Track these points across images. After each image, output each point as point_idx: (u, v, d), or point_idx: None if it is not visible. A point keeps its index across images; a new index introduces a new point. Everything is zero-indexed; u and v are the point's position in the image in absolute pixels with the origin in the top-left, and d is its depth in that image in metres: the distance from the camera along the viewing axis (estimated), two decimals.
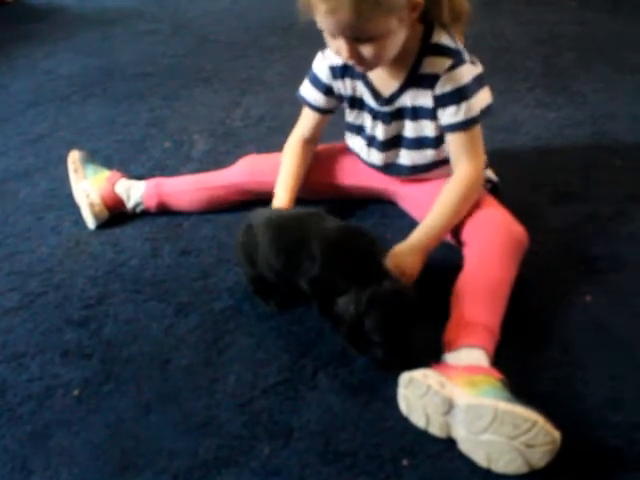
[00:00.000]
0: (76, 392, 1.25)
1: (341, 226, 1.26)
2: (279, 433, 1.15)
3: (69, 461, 1.13)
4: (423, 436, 1.12)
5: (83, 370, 1.30)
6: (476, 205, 1.42)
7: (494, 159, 1.57)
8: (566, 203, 1.66)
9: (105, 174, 1.74)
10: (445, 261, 1.43)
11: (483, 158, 1.45)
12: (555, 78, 2.33)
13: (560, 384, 1.20)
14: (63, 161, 1.88)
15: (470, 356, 1.16)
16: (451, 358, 1.17)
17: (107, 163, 1.96)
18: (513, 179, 1.69)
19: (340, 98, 1.52)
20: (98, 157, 2.00)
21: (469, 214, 1.41)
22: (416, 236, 1.36)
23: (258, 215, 1.36)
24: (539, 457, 1.02)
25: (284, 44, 2.83)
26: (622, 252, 1.49)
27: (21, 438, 1.18)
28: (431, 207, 1.41)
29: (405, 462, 1.09)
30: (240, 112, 2.22)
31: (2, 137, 2.21)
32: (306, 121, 1.60)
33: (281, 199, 1.51)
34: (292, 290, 1.30)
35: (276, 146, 1.66)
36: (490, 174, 1.55)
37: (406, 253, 1.33)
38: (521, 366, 1.23)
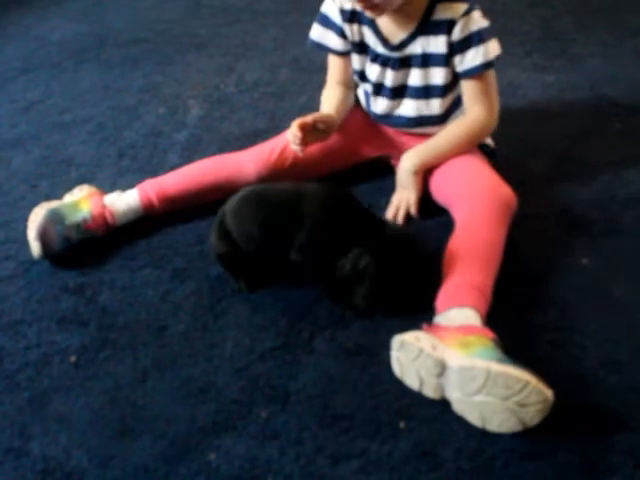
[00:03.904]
0: (73, 359, 1.25)
1: (321, 186, 1.28)
2: (276, 397, 1.15)
3: (68, 427, 1.14)
4: (419, 398, 1.12)
5: (80, 337, 1.30)
6: (465, 167, 1.43)
7: None
8: (564, 167, 1.65)
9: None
10: (436, 225, 1.44)
11: (498, 105, 1.47)
12: (553, 42, 2.30)
13: (556, 347, 1.20)
14: (56, 128, 1.87)
15: (461, 316, 1.17)
16: (443, 319, 1.18)
17: (100, 130, 1.95)
18: (510, 143, 1.68)
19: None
20: (91, 124, 1.98)
21: (458, 176, 1.42)
22: (421, 151, 1.45)
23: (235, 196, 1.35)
24: (532, 416, 1.03)
25: (278, 9, 2.79)
26: (620, 216, 1.49)
27: (20, 404, 1.18)
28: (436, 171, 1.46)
29: (402, 424, 1.09)
30: (234, 77, 2.20)
31: None
32: (333, 67, 1.58)
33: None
34: (273, 263, 1.30)
35: (271, 111, 1.64)
36: (487, 139, 1.54)
37: (407, 185, 1.46)
38: (517, 329, 1.23)
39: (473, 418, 1.07)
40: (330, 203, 1.24)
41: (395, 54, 1.44)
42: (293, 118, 1.42)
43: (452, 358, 1.08)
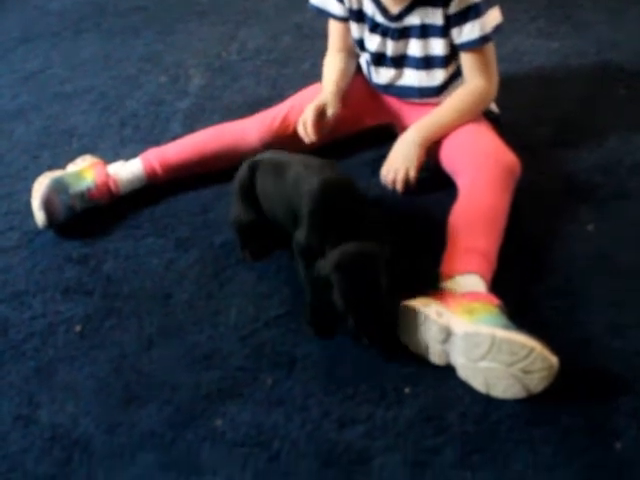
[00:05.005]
0: (78, 328, 1.26)
1: (325, 181, 1.18)
2: (282, 364, 1.16)
3: (74, 395, 1.15)
4: (424, 365, 1.13)
5: (84, 306, 1.30)
6: (469, 134, 1.42)
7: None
8: (569, 133, 1.63)
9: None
10: (440, 192, 1.43)
11: (497, 76, 1.45)
12: (558, 8, 2.25)
13: (561, 312, 1.20)
14: (57, 98, 1.86)
15: (466, 282, 1.16)
16: (448, 286, 1.17)
17: (102, 100, 1.93)
18: (515, 109, 1.66)
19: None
20: (92, 94, 1.97)
21: (462, 144, 1.41)
22: (425, 125, 1.43)
23: (268, 158, 1.32)
24: (537, 383, 1.03)
25: None
26: (625, 182, 1.48)
27: (26, 374, 1.19)
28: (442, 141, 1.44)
29: (407, 390, 1.10)
30: (236, 45, 2.17)
31: None
32: (334, 33, 1.56)
33: (328, 89, 1.49)
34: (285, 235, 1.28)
35: (273, 79, 1.62)
36: (492, 105, 1.53)
37: (409, 151, 1.42)
38: (522, 295, 1.23)
39: (477, 384, 1.08)
40: (325, 198, 1.16)
41: (394, 24, 1.43)
42: (296, 85, 1.41)
43: (457, 324, 1.09)
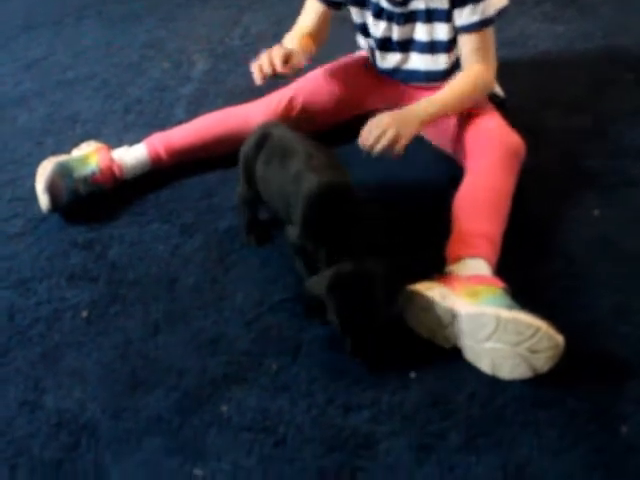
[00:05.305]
0: (84, 314, 1.26)
1: (323, 185, 1.13)
2: (287, 349, 1.16)
3: (80, 380, 1.15)
4: (430, 348, 1.13)
5: (90, 292, 1.30)
6: (474, 116, 1.41)
7: (501, 74, 1.52)
8: (575, 117, 1.62)
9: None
10: (445, 176, 1.43)
11: (495, 63, 1.43)
12: None
13: (566, 296, 1.20)
14: (60, 85, 1.85)
15: (471, 266, 1.16)
16: (453, 270, 1.17)
17: (105, 86, 1.93)
18: (521, 94, 1.66)
19: None
20: (95, 81, 1.96)
21: (467, 125, 1.40)
22: (423, 106, 1.36)
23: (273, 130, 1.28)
24: (543, 362, 1.03)
25: None
26: (632, 167, 1.47)
27: (32, 359, 1.19)
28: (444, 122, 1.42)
29: (412, 374, 1.10)
30: (240, 30, 2.16)
31: None
32: (309, 12, 1.52)
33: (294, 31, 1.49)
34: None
35: None
36: (497, 89, 1.52)
37: (407, 119, 1.32)
38: (527, 278, 1.23)
39: (484, 365, 1.08)
40: (321, 204, 1.13)
41: (399, 9, 1.41)
42: (300, 71, 1.40)
43: (461, 306, 1.09)
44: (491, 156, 1.33)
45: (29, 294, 1.31)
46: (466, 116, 1.42)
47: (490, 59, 1.41)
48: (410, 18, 1.42)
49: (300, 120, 1.48)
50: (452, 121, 1.44)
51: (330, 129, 1.53)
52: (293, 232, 1.16)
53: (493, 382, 1.07)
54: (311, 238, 1.13)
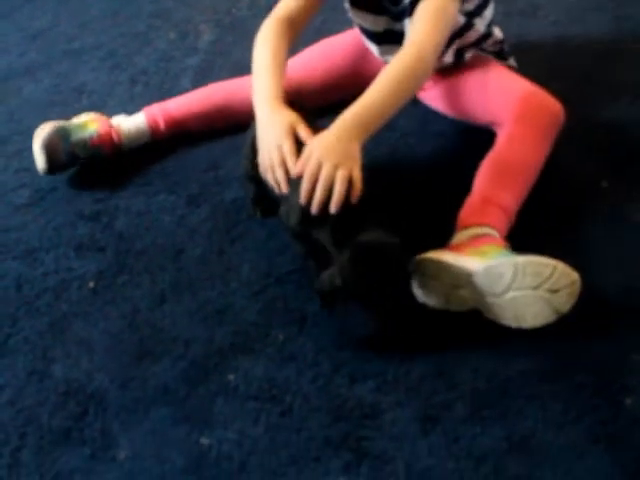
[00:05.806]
0: (91, 284, 1.27)
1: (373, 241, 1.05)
2: (294, 320, 1.16)
3: (88, 350, 1.16)
4: (436, 320, 1.12)
5: (97, 263, 1.31)
6: (502, 79, 1.38)
7: (510, 45, 1.51)
8: (585, 89, 1.60)
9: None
10: (471, 145, 1.39)
11: (440, 39, 1.22)
12: None
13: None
14: (66, 56, 1.84)
15: (480, 234, 1.15)
16: (462, 236, 1.16)
17: (111, 57, 1.92)
18: (531, 65, 1.62)
19: None
20: (101, 51, 1.95)
21: (496, 90, 1.37)
22: (358, 112, 1.11)
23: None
24: (564, 301, 1.04)
25: None
26: None
27: (40, 329, 1.20)
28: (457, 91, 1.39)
29: (418, 346, 1.10)
30: (247, 1, 2.14)
31: (1, 34, 2.15)
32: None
33: (269, 90, 1.23)
34: None
35: None
36: (510, 61, 1.49)
37: (350, 136, 1.08)
38: (534, 251, 1.22)
39: (507, 319, 1.07)
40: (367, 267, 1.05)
41: (394, 8, 1.36)
42: (306, 41, 1.39)
43: (475, 264, 1.08)
44: (526, 123, 1.28)
45: (36, 264, 1.32)
46: (494, 81, 1.39)
47: (436, 30, 1.20)
48: (403, 14, 1.35)
49: (302, 94, 1.46)
50: (477, 88, 1.40)
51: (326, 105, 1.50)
52: (293, 217, 1.11)
53: (498, 355, 1.07)
54: (314, 222, 1.09)
